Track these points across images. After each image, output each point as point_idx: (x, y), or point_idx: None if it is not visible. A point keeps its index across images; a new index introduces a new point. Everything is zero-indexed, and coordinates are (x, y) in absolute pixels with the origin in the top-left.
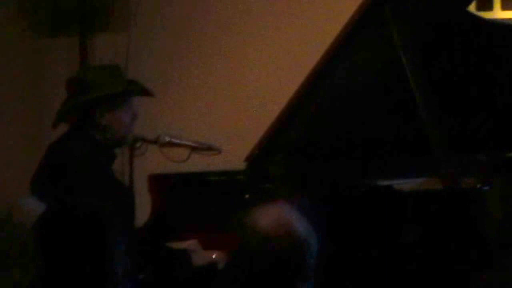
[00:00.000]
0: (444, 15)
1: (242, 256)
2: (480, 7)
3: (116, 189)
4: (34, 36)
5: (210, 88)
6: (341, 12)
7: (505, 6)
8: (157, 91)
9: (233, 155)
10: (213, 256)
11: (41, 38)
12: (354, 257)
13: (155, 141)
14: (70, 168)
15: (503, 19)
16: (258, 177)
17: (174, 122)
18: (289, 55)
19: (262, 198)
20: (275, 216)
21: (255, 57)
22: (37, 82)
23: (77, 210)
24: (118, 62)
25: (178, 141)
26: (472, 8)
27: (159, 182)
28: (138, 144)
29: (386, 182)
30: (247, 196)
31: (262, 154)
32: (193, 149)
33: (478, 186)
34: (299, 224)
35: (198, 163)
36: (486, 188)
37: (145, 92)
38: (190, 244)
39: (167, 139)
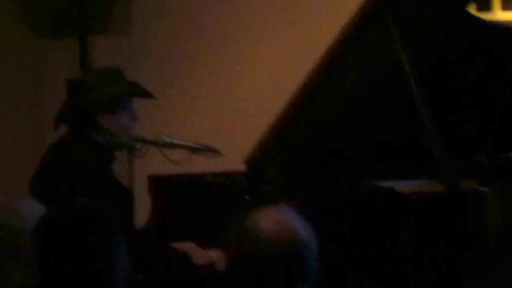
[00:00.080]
0: (443, 16)
1: (243, 258)
2: (479, 8)
3: (116, 191)
4: (34, 38)
5: (210, 89)
6: (341, 15)
7: (504, 7)
8: (157, 92)
9: (233, 157)
10: (213, 256)
11: (41, 40)
12: (354, 259)
13: (155, 142)
14: (70, 169)
15: (503, 20)
16: (258, 178)
17: (174, 123)
18: (288, 57)
19: (262, 199)
20: (276, 218)
21: (254, 58)
22: (37, 83)
23: (77, 212)
24: (118, 64)
25: (178, 142)
26: (472, 8)
27: (159, 183)
28: (138, 145)
29: (386, 185)
30: (246, 197)
31: (261, 156)
32: (193, 150)
33: (478, 188)
34: (300, 226)
35: (198, 165)
36: (486, 190)
37: (145, 94)
38: (187, 246)
39: (167, 140)
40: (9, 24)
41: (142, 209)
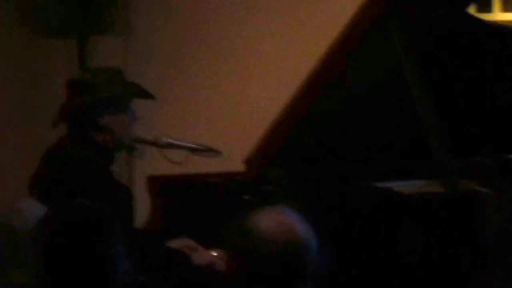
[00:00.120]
0: (443, 18)
1: (243, 258)
2: (479, 9)
3: (115, 191)
4: (33, 38)
5: (210, 90)
6: (342, 16)
7: (504, 8)
8: (157, 93)
9: (233, 157)
10: (213, 256)
11: (41, 40)
12: (354, 260)
13: (154, 143)
14: (70, 170)
15: (502, 21)
16: (257, 179)
17: (174, 123)
18: (289, 57)
19: (262, 200)
20: (276, 218)
21: (254, 59)
22: (36, 84)
23: (77, 212)
24: (118, 65)
25: (177, 142)
26: (472, 10)
27: (158, 184)
28: (137, 146)
29: (386, 185)
30: (246, 197)
31: (261, 156)
32: (193, 150)
33: (479, 188)
34: (300, 227)
35: (198, 165)
36: (486, 190)
37: (145, 95)
38: (183, 241)
39: (167, 140)
40: (8, 24)
41: (142, 210)
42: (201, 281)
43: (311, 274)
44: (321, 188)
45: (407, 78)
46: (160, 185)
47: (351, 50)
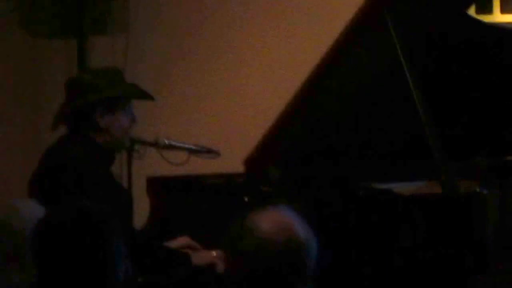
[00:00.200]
0: (443, 19)
1: (243, 258)
2: (479, 10)
3: (115, 192)
4: (32, 38)
5: (209, 90)
6: (342, 15)
7: (504, 9)
8: (156, 94)
9: (232, 158)
10: (213, 257)
11: (39, 40)
12: (354, 260)
13: (154, 144)
14: (69, 170)
15: (502, 23)
16: (257, 180)
17: (173, 124)
18: (289, 58)
19: (261, 201)
20: (276, 219)
21: (254, 60)
22: (35, 84)
23: (76, 213)
24: (117, 65)
25: (177, 143)
26: (471, 11)
27: (157, 185)
28: (137, 147)
29: (385, 186)
30: (246, 199)
31: (261, 157)
32: (192, 152)
33: (477, 190)
34: (299, 228)
35: (197, 166)
36: (486, 191)
37: (144, 95)
38: (182, 240)
39: (166, 141)
40: (7, 24)
41: (141, 211)
42: (201, 281)
43: (311, 274)
44: (321, 188)
45: (406, 79)
46: (160, 186)
47: (351, 50)
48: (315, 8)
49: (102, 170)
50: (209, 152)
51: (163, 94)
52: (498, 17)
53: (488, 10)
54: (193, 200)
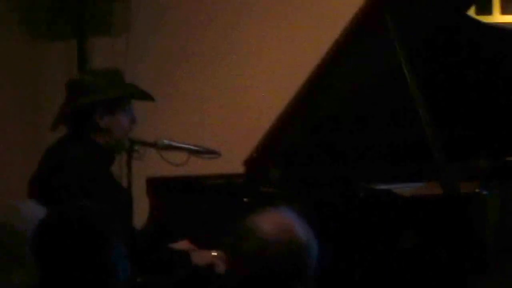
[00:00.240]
0: (443, 20)
1: (242, 261)
2: (479, 11)
3: (115, 192)
4: (32, 39)
5: (209, 91)
6: (342, 17)
7: (504, 10)
8: (156, 94)
9: (232, 159)
10: (213, 257)
11: (39, 41)
12: (354, 261)
13: (154, 144)
14: (69, 170)
15: (502, 23)
16: (257, 180)
17: (173, 125)
18: (289, 59)
19: (261, 202)
20: (276, 220)
21: (254, 60)
22: (35, 84)
23: (77, 213)
24: (117, 65)
25: (177, 144)
26: (471, 12)
27: (157, 185)
28: (137, 147)
29: (385, 187)
30: (246, 200)
31: (261, 158)
32: (192, 152)
33: (477, 190)
34: (300, 229)
35: (197, 167)
36: (485, 192)
37: (144, 96)
38: (182, 244)
39: (166, 142)
40: (7, 25)
41: (141, 211)
42: (201, 281)
43: (312, 275)
44: (321, 189)
45: (406, 79)
46: (160, 187)
47: (351, 51)
48: (316, 9)
49: (102, 170)
50: (209, 152)
51: (163, 95)
52: (498, 18)
53: (488, 11)
54: (193, 201)
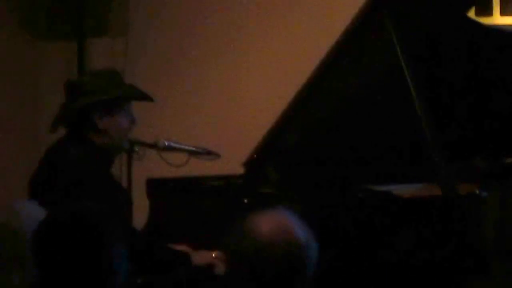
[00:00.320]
0: (443, 21)
1: (242, 261)
2: (479, 13)
3: (114, 193)
4: (32, 40)
5: (209, 92)
6: (341, 18)
7: (504, 12)
8: (155, 95)
9: (232, 160)
10: (213, 258)
11: (39, 42)
12: (353, 262)
13: (153, 145)
14: (69, 171)
15: (502, 25)
16: (257, 181)
17: (173, 126)
18: (288, 59)
19: (261, 202)
20: (275, 221)
21: (253, 61)
22: (35, 85)
23: (76, 214)
24: (116, 66)
25: (176, 145)
26: (471, 13)
27: (157, 187)
28: (136, 148)
29: (384, 188)
30: (245, 200)
31: (260, 159)
32: (192, 153)
33: (477, 191)
34: (299, 230)
35: (197, 168)
36: (484, 194)
37: (144, 97)
38: (180, 247)
39: (166, 143)
40: (6, 26)
41: (140, 212)
42: (200, 282)
43: (311, 275)
44: (320, 190)
45: (405, 80)
46: (159, 188)
47: (351, 52)
48: (316, 9)
49: (102, 171)
50: (209, 153)
51: (162, 96)
52: (498, 19)
53: (488, 12)
54: (192, 202)
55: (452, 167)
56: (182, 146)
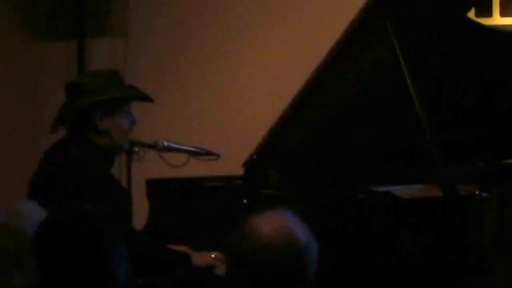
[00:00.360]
0: (443, 22)
1: (242, 262)
2: (479, 14)
3: (114, 193)
4: (32, 40)
5: (209, 93)
6: (342, 17)
7: (504, 13)
8: (155, 96)
9: (232, 160)
10: (213, 258)
11: (39, 42)
12: (353, 263)
13: (153, 146)
14: (68, 172)
15: (502, 26)
16: (257, 182)
17: (173, 127)
18: (288, 60)
19: (261, 203)
20: (275, 222)
21: (254, 62)
22: (35, 84)
23: (76, 215)
24: (116, 66)
25: (176, 146)
26: (471, 14)
27: (157, 187)
28: (136, 149)
29: (385, 189)
30: (245, 201)
31: (260, 160)
32: (192, 154)
33: (477, 193)
34: (299, 231)
35: (197, 168)
36: (484, 195)
37: (144, 97)
38: (180, 248)
39: (166, 144)
40: (6, 26)
41: (140, 213)
42: (200, 282)
43: (311, 277)
44: (321, 191)
45: (406, 81)
46: (159, 188)
47: (351, 53)
48: (316, 10)
49: (102, 171)
50: (209, 154)
51: (162, 96)
52: (498, 20)
53: (488, 13)
54: (192, 202)
55: (452, 167)
56: (182, 147)
